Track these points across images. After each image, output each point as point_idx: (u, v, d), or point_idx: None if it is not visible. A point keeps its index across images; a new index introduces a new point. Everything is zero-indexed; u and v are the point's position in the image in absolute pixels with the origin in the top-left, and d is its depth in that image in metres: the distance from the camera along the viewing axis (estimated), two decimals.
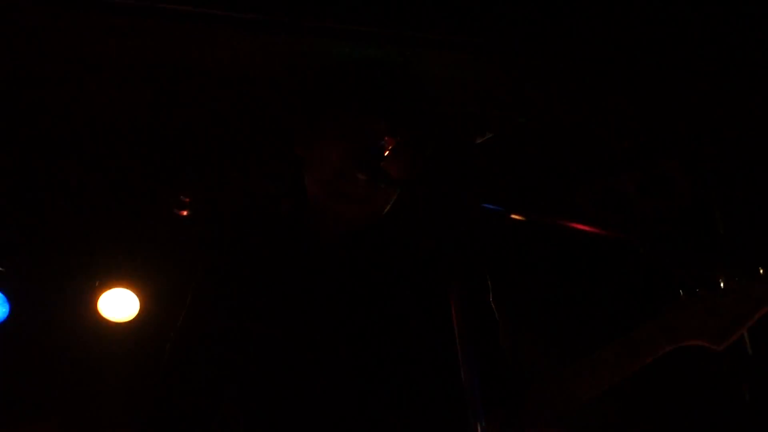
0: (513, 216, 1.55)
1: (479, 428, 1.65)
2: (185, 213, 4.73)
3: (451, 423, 2.13)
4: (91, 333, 5.16)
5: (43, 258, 5.03)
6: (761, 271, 1.87)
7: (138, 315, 5.07)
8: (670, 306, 1.94)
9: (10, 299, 4.90)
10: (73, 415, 5.18)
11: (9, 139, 4.26)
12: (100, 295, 5.00)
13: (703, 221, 4.65)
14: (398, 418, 2.23)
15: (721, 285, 1.88)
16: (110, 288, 5.00)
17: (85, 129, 4.02)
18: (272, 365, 2.32)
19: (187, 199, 4.79)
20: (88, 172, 4.39)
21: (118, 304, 5.02)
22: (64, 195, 4.67)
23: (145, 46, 2.93)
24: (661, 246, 4.63)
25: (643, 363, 1.94)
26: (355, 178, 2.13)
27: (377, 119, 2.23)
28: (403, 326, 2.30)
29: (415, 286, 2.33)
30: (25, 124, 3.98)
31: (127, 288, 5.02)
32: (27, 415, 5.11)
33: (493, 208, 1.66)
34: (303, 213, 2.42)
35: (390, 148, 2.07)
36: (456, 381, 1.73)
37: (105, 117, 3.88)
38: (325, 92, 2.35)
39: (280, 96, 3.25)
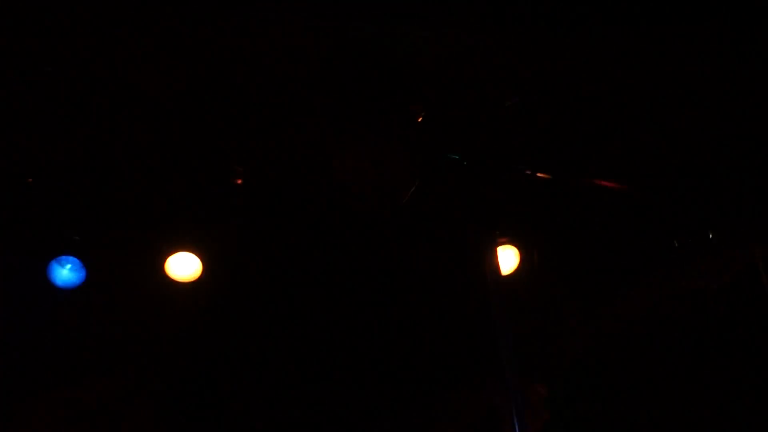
0: (538, 175, 1.63)
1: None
2: (239, 181, 4.86)
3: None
4: (159, 293, 5.33)
5: (114, 227, 5.19)
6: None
7: (201, 275, 5.24)
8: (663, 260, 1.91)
9: (87, 265, 5.07)
10: (142, 367, 5.35)
11: (77, 112, 4.40)
12: (166, 258, 5.18)
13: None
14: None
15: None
16: (175, 252, 5.17)
17: (147, 102, 4.14)
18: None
19: (240, 169, 4.92)
20: (153, 146, 4.52)
21: (183, 266, 5.20)
22: (131, 169, 4.82)
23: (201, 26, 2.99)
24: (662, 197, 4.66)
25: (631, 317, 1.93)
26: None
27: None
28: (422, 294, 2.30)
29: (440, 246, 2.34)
30: (91, 95, 4.09)
31: (190, 251, 5.19)
32: (103, 368, 5.29)
33: (517, 169, 1.70)
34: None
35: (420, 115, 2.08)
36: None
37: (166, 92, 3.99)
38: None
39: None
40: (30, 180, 4.74)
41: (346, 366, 4.27)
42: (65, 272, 5.04)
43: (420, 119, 4.60)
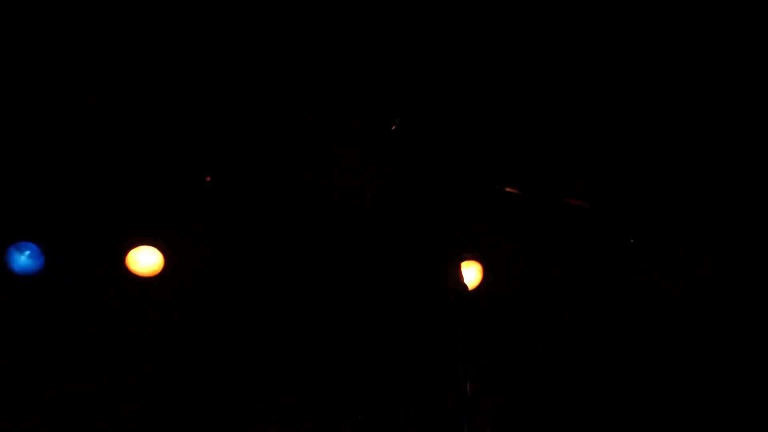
0: (507, 189, 1.60)
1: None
2: (208, 179, 4.79)
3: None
4: (118, 286, 5.23)
5: (77, 216, 5.09)
6: None
7: (162, 271, 5.15)
8: None
9: (45, 252, 4.96)
10: (102, 362, 5.26)
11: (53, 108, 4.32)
12: (128, 251, 5.08)
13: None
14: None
15: None
16: (138, 245, 5.07)
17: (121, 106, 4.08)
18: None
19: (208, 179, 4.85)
20: (123, 140, 4.44)
21: (144, 260, 5.10)
22: (100, 159, 4.73)
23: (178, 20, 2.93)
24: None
25: None
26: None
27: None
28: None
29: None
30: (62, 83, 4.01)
31: (152, 245, 5.09)
32: (60, 362, 5.19)
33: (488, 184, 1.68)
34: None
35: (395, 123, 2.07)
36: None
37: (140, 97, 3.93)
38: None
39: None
40: None
41: (307, 371, 4.22)
42: (23, 258, 4.91)
43: (393, 128, 4.59)
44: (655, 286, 4.25)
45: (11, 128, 4.49)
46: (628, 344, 5.00)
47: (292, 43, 3.10)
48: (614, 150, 4.25)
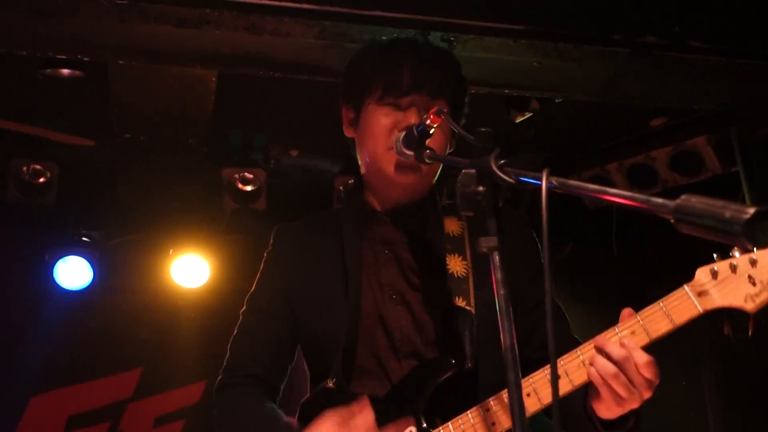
0: (553, 186, 1.54)
1: None
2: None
3: None
4: (165, 297, 5.28)
5: (125, 230, 5.14)
6: None
7: (208, 281, 5.17)
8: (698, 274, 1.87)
9: (95, 266, 5.00)
10: (150, 370, 5.30)
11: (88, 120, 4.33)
12: (172, 261, 5.11)
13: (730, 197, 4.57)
14: None
15: (754, 252, 1.80)
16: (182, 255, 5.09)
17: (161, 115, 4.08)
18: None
19: (251, 175, 4.85)
20: (161, 151, 4.45)
21: (190, 271, 5.11)
22: (142, 175, 4.76)
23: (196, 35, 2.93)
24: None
25: (674, 328, 1.90)
26: (404, 155, 2.16)
27: (421, 96, 2.25)
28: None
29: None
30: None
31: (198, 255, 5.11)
32: (112, 367, 5.25)
33: (532, 181, 1.64)
34: (359, 190, 2.44)
35: (434, 126, 2.07)
36: None
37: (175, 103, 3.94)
38: (373, 71, 2.34)
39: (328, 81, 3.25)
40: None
41: None
42: (72, 273, 4.95)
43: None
44: None
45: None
46: None
47: None
48: None
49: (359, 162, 2.42)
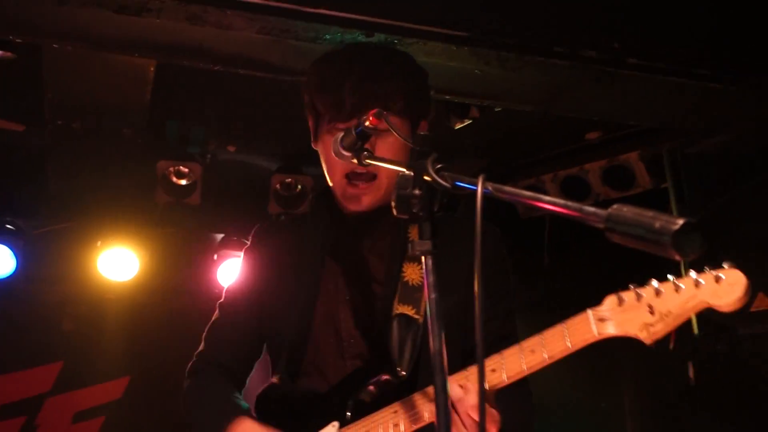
0: (489, 191, 1.54)
1: None
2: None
3: None
4: (91, 289, 5.16)
5: (52, 218, 5.01)
6: (705, 269, 1.81)
7: (137, 275, 5.07)
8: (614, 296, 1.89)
9: (19, 255, 4.86)
10: (71, 363, 5.18)
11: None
12: (100, 253, 4.99)
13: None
14: None
15: (670, 279, 1.83)
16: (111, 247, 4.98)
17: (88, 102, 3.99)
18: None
19: (187, 169, 4.77)
20: (94, 140, 4.35)
21: (119, 264, 5.00)
22: (74, 163, 4.64)
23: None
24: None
25: (570, 351, 1.92)
26: (345, 159, 2.13)
27: (366, 100, 2.24)
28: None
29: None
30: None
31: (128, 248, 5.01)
32: (31, 360, 5.11)
33: (468, 186, 1.64)
34: (328, 195, 2.46)
35: (372, 128, 2.04)
36: None
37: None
38: (318, 93, 2.36)
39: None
40: None
41: None
42: None
43: None
44: None
45: None
46: None
47: None
48: None
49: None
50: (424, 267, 1.71)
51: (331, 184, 2.40)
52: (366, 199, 2.32)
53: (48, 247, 5.05)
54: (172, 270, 5.24)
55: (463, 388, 1.98)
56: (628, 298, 1.86)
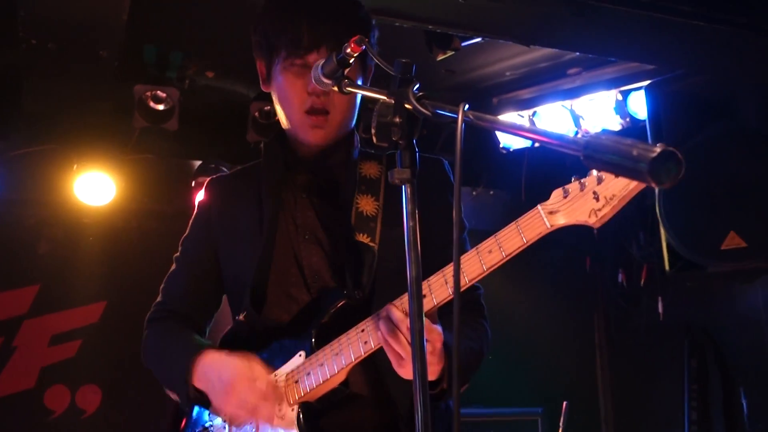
0: (470, 119, 1.53)
1: None
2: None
3: None
4: (67, 213, 5.14)
5: (28, 141, 4.94)
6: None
7: (114, 200, 5.04)
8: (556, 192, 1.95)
9: None
10: (48, 287, 5.17)
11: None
12: (76, 177, 4.95)
13: None
14: None
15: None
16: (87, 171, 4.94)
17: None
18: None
19: (164, 94, 4.70)
20: (70, 61, 4.26)
21: (95, 188, 4.97)
22: (50, 85, 4.55)
23: None
24: None
25: (525, 245, 1.97)
26: (325, 86, 2.11)
27: (323, 52, 2.25)
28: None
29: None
30: None
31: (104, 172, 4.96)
32: (8, 282, 5.10)
33: (448, 114, 1.64)
34: (281, 139, 2.48)
35: (354, 55, 2.02)
36: None
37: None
38: (274, 30, 2.34)
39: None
40: None
41: None
42: None
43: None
44: None
45: None
46: None
47: None
48: None
49: (278, 115, 2.46)
50: (404, 194, 1.71)
51: (285, 121, 2.40)
52: (323, 132, 2.35)
53: (23, 170, 4.99)
54: (148, 196, 5.21)
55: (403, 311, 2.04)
56: (572, 189, 1.93)
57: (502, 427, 5.31)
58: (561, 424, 4.42)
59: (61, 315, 5.17)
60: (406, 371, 2.05)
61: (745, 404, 5.07)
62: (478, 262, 2.03)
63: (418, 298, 1.68)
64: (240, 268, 2.41)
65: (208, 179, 2.63)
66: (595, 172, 1.90)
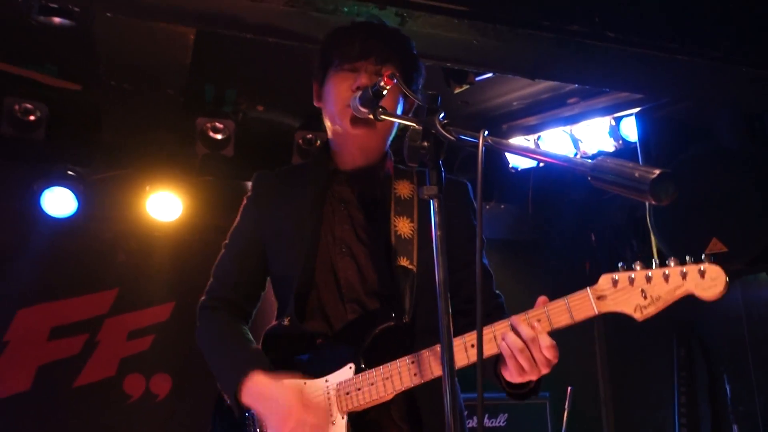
0: (489, 143, 1.52)
1: None
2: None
3: None
4: (141, 228, 5.18)
5: (107, 166, 5.00)
6: (687, 259, 1.81)
7: (180, 217, 5.07)
8: (605, 277, 1.88)
9: (79, 198, 4.86)
10: (125, 290, 5.21)
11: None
12: (148, 197, 4.98)
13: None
14: None
15: (654, 266, 1.83)
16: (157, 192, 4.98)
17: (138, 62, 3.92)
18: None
19: (222, 125, 4.74)
20: (142, 98, 4.30)
21: (164, 206, 5.00)
22: (125, 119, 4.61)
23: None
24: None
25: (572, 323, 1.93)
26: (360, 112, 2.11)
27: (370, 62, 2.24)
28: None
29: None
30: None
31: (172, 192, 5.00)
32: (91, 286, 5.15)
33: (470, 139, 1.63)
34: (326, 151, 2.43)
35: (387, 88, 2.02)
36: None
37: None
38: (332, 47, 2.33)
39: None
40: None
41: None
42: (57, 202, 4.79)
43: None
44: None
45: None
46: None
47: None
48: None
49: (326, 127, 2.40)
50: (432, 208, 1.70)
51: (330, 127, 2.32)
52: (367, 140, 2.28)
53: (103, 191, 5.04)
54: (210, 212, 5.25)
55: (533, 329, 1.95)
56: (621, 279, 1.87)
57: (513, 409, 5.25)
58: (566, 406, 4.37)
59: (137, 314, 5.22)
60: (521, 378, 2.00)
61: (728, 389, 4.97)
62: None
63: (445, 298, 1.66)
64: (285, 269, 2.31)
65: (255, 174, 2.51)
66: (638, 267, 1.84)
